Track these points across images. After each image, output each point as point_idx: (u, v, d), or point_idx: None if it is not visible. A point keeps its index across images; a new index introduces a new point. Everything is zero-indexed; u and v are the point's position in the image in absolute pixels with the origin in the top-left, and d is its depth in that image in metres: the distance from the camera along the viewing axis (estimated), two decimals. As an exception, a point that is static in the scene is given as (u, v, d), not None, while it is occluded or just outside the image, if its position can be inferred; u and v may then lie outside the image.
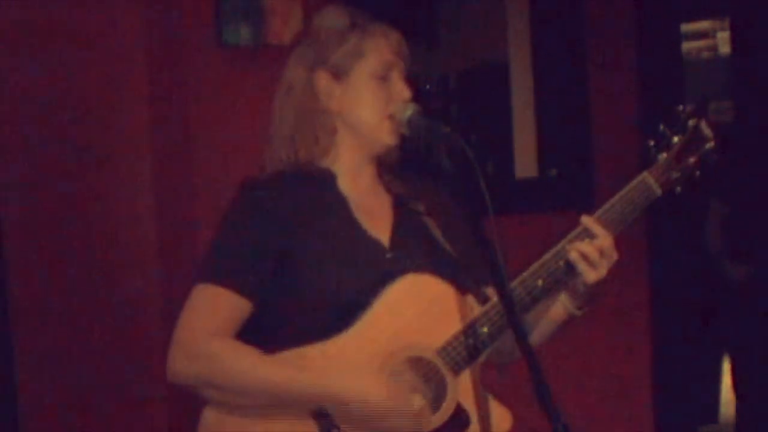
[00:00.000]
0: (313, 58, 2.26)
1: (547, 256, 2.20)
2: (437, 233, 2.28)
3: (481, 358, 2.18)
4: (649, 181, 2.25)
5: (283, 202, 2.20)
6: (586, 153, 4.77)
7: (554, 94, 4.76)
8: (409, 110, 2.22)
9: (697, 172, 2.27)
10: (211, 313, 2.15)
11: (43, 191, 3.56)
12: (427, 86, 4.70)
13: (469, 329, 2.16)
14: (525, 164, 4.84)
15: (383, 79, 2.23)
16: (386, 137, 2.24)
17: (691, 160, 2.27)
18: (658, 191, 2.25)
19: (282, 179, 2.24)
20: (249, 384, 2.11)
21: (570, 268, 2.19)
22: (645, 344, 4.98)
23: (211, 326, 2.13)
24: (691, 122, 2.27)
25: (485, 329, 2.16)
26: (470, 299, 2.22)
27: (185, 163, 3.65)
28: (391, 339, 2.14)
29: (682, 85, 5.52)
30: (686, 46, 7.15)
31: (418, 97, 2.26)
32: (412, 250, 2.24)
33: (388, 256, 2.22)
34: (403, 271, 2.18)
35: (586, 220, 2.20)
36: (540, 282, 2.19)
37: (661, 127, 2.28)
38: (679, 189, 2.27)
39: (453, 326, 2.17)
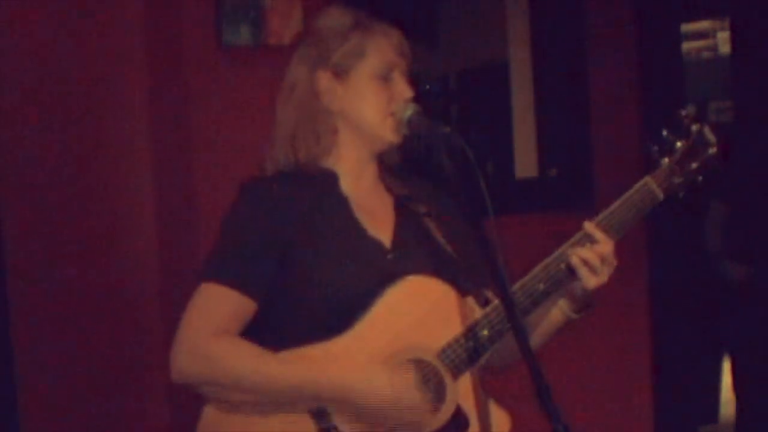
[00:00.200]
0: (314, 58, 2.26)
1: (548, 259, 2.20)
2: (438, 234, 2.27)
3: (481, 361, 2.18)
4: (651, 186, 2.25)
5: (285, 202, 2.20)
6: (586, 153, 4.77)
7: (554, 94, 4.76)
8: (410, 110, 2.21)
9: (700, 177, 2.27)
10: (215, 311, 2.14)
11: (43, 191, 3.56)
12: (427, 86, 4.70)
13: (470, 332, 2.16)
14: (525, 164, 4.84)
15: (385, 79, 2.23)
16: (388, 134, 2.23)
17: (694, 165, 2.27)
18: (661, 196, 2.25)
19: (284, 179, 2.24)
20: (251, 380, 2.11)
21: (571, 272, 2.19)
22: (645, 344, 4.98)
23: (214, 325, 2.13)
24: (694, 127, 2.27)
25: (485, 332, 2.16)
26: (471, 301, 2.22)
27: (185, 163, 3.65)
28: (391, 340, 2.14)
29: (682, 85, 5.53)
30: (686, 46, 7.15)
31: (418, 97, 2.26)
32: (413, 251, 2.24)
33: (389, 256, 2.23)
34: (403, 272, 2.18)
35: (588, 226, 2.20)
36: (541, 286, 2.19)
37: (664, 132, 2.27)
38: (681, 194, 2.27)
39: (453, 328, 2.17)
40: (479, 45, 4.86)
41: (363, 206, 2.27)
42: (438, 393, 2.16)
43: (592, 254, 2.17)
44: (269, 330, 2.17)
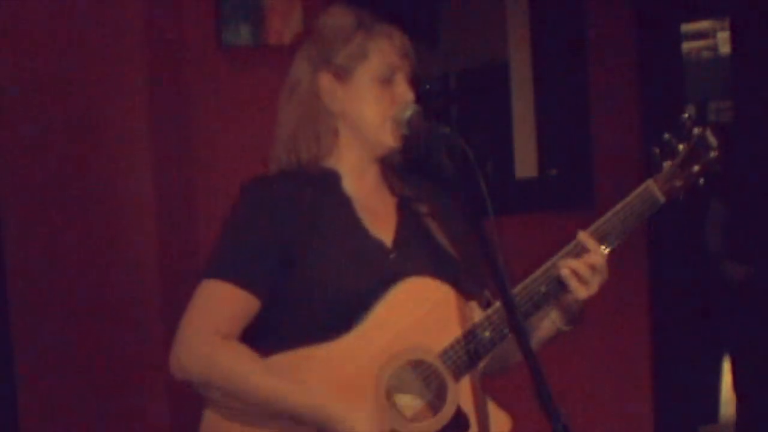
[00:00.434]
0: (316, 58, 2.25)
1: (549, 263, 2.19)
2: (440, 235, 2.27)
3: (482, 363, 2.18)
4: (652, 189, 2.24)
5: (287, 201, 2.19)
6: (586, 153, 4.77)
7: (554, 94, 4.76)
8: (409, 110, 2.21)
9: (701, 180, 2.27)
10: (217, 309, 2.14)
11: (43, 191, 3.56)
12: (427, 86, 4.70)
13: (471, 333, 2.16)
14: (525, 164, 4.84)
15: (386, 81, 2.22)
16: (388, 139, 2.23)
17: (695, 168, 2.26)
18: (662, 199, 2.24)
19: (285, 179, 2.24)
20: (245, 391, 2.11)
21: (562, 284, 2.19)
22: (645, 344, 4.98)
23: (215, 323, 2.12)
24: (695, 130, 2.27)
25: (487, 334, 2.16)
26: (472, 302, 2.22)
27: (185, 163, 3.65)
28: (393, 341, 2.14)
29: (682, 85, 5.52)
30: (686, 46, 7.16)
31: (418, 97, 2.25)
32: (414, 252, 2.24)
33: (391, 257, 2.22)
34: (405, 273, 2.17)
35: (582, 235, 2.20)
36: (543, 288, 2.19)
37: (666, 135, 2.27)
38: (681, 197, 2.27)
39: (455, 329, 2.16)
40: (479, 45, 4.86)
41: (365, 206, 2.26)
42: (439, 394, 2.16)
43: (583, 265, 2.17)
44: (270, 329, 2.17)
